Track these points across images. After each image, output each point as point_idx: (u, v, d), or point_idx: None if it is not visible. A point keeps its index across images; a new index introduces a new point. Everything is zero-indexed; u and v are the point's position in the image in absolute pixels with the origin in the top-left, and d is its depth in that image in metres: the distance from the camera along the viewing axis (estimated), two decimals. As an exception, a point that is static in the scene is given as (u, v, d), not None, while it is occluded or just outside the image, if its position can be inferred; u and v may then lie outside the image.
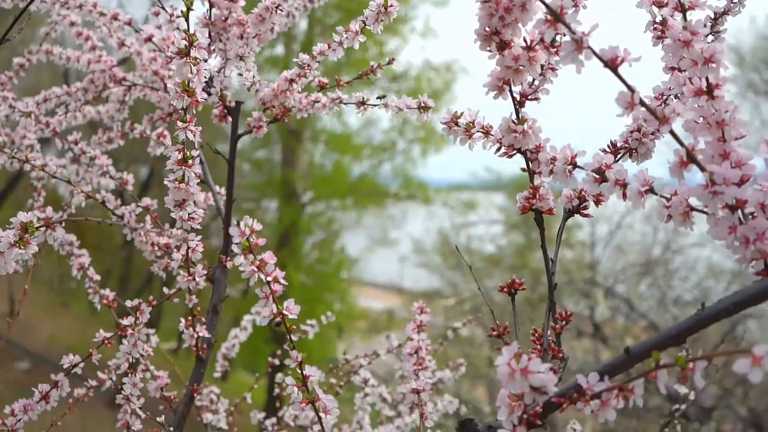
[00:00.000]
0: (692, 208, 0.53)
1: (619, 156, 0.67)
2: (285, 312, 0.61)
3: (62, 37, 1.47)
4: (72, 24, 1.18)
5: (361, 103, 0.93)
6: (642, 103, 0.49)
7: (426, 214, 11.71)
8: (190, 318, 0.94)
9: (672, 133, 0.50)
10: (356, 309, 11.03)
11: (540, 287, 7.29)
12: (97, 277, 1.08)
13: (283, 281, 0.60)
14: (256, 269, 0.60)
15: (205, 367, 0.98)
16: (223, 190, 1.11)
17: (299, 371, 0.63)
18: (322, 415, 0.63)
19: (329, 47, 0.89)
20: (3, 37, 0.78)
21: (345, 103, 0.95)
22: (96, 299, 1.05)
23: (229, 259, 0.94)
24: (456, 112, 0.63)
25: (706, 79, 0.52)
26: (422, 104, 0.81)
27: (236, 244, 0.59)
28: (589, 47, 0.49)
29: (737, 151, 0.52)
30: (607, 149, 0.67)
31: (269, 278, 0.60)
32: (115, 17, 1.07)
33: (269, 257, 0.60)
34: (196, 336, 0.94)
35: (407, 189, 11.72)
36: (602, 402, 0.50)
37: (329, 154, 12.16)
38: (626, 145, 0.66)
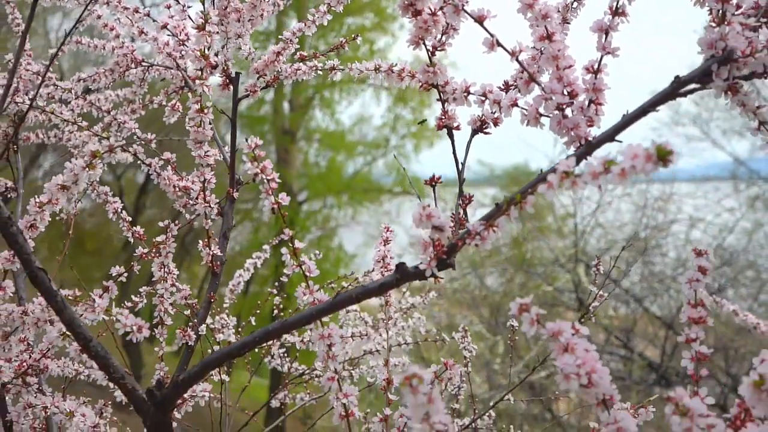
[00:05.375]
0: (540, 114, 0.81)
1: (511, 90, 0.94)
2: (280, 200, 0.89)
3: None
4: (99, 17, 1.46)
5: (332, 69, 1.21)
6: (498, 43, 0.77)
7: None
8: (206, 240, 1.21)
9: (519, 62, 0.77)
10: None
11: (534, 276, 7.61)
12: (129, 218, 1.35)
13: (277, 180, 0.88)
14: (259, 171, 0.87)
15: (219, 280, 1.26)
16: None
17: (291, 245, 0.91)
18: (307, 273, 0.90)
19: (305, 25, 1.17)
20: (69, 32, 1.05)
21: (320, 70, 1.23)
22: (129, 234, 1.32)
23: (236, 191, 1.22)
24: (392, 62, 0.90)
25: (545, 28, 0.80)
26: (377, 66, 1.08)
27: (245, 154, 0.87)
28: (464, 9, 0.76)
29: (567, 75, 0.80)
30: (501, 86, 0.94)
31: (269, 177, 0.88)
32: (136, 10, 1.35)
33: (269, 164, 0.88)
34: (211, 254, 1.22)
35: (401, 185, 12.01)
36: (482, 237, 0.78)
37: (323, 152, 12.45)
38: (515, 83, 0.94)
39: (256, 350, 1.69)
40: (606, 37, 0.78)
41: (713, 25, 0.71)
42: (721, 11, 0.70)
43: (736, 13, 0.72)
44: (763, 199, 8.31)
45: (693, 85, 0.72)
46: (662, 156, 0.55)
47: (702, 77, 0.70)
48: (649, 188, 8.16)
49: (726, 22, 0.70)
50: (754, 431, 0.61)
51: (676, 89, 0.71)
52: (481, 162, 10.97)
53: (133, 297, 1.38)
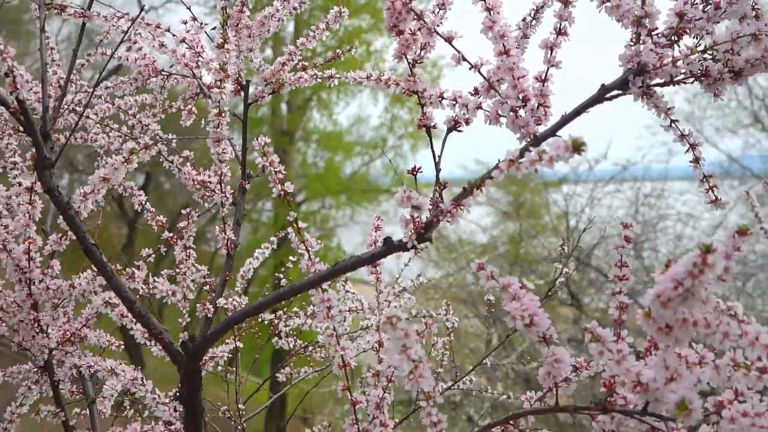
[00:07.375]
0: (499, 115, 0.99)
1: (479, 96, 1.13)
2: (286, 188, 1.07)
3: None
4: (124, 32, 1.64)
5: (331, 77, 1.40)
6: (463, 58, 0.95)
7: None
8: (222, 225, 1.40)
9: (480, 73, 0.96)
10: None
11: (532, 275, 7.78)
12: (153, 210, 1.54)
13: (283, 171, 1.07)
14: (268, 164, 1.06)
15: (233, 261, 1.44)
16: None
17: (295, 225, 1.09)
18: (309, 248, 1.09)
19: (307, 39, 1.36)
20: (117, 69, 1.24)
21: (320, 78, 1.42)
22: (154, 224, 1.51)
23: (247, 182, 1.40)
24: (379, 72, 1.08)
25: (503, 45, 0.98)
26: (369, 75, 1.27)
27: (256, 150, 1.05)
28: (435, 31, 0.95)
29: (521, 83, 0.98)
30: (471, 92, 1.13)
31: (276, 169, 1.06)
32: (158, 26, 1.53)
33: (275, 158, 1.07)
34: (226, 238, 1.40)
35: (399, 184, 12.16)
36: (452, 215, 0.96)
37: (321, 152, 12.62)
38: (480, 90, 1.12)
39: (264, 322, 1.87)
40: (551, 53, 0.97)
41: (631, 43, 0.89)
42: (636, 32, 0.89)
43: (653, 33, 0.91)
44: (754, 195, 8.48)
45: (616, 92, 0.90)
46: (576, 147, 0.73)
47: (621, 85, 0.89)
48: (642, 185, 8.37)
49: (640, 41, 0.89)
50: (654, 357, 0.79)
51: (602, 94, 0.90)
52: (479, 161, 11.17)
53: (155, 278, 1.57)
